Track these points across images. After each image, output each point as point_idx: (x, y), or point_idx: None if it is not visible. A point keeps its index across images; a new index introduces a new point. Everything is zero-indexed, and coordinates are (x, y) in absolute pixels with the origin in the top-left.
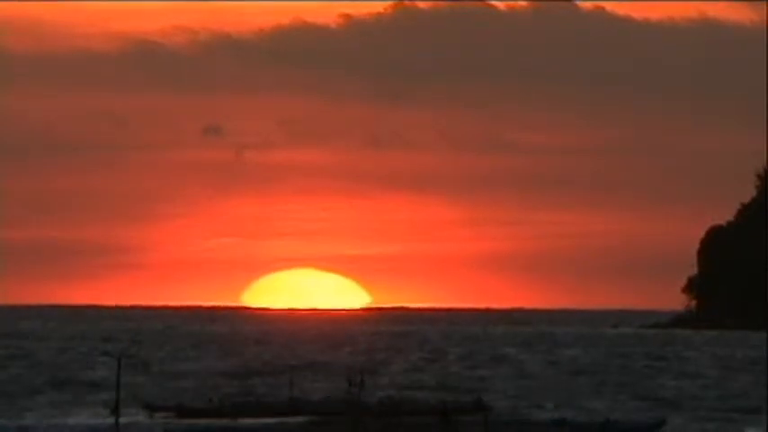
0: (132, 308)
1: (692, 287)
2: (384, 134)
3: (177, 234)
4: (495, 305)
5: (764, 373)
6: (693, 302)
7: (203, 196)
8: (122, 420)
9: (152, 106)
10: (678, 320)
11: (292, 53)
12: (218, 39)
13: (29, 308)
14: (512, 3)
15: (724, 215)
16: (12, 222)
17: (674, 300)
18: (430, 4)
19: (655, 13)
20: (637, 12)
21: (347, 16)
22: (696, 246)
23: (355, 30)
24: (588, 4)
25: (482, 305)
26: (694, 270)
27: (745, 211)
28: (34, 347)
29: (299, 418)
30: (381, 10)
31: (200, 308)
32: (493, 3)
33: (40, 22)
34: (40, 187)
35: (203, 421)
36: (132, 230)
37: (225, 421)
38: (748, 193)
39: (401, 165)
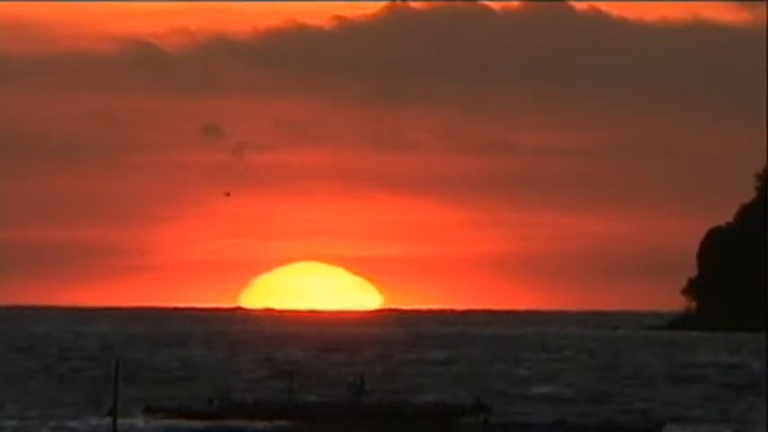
0: (130, 309)
1: (691, 289)
2: (383, 135)
3: (177, 235)
4: (498, 307)
5: (764, 375)
6: (693, 304)
7: (203, 197)
8: (121, 422)
9: (150, 107)
10: (678, 322)
11: (288, 54)
12: (215, 40)
13: (28, 309)
14: (506, 3)
15: (724, 216)
16: (9, 223)
17: (673, 301)
18: (423, 4)
19: (649, 13)
20: (632, 12)
21: (340, 17)
22: (696, 247)
23: (349, 31)
24: (583, 5)
25: (486, 307)
26: (694, 271)
27: (745, 212)
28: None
29: (299, 420)
30: (374, 11)
31: (200, 310)
32: (487, 3)
33: (37, 24)
34: (38, 188)
35: (203, 423)
36: (131, 232)
37: (225, 423)
38: (748, 194)
39: (401, 166)
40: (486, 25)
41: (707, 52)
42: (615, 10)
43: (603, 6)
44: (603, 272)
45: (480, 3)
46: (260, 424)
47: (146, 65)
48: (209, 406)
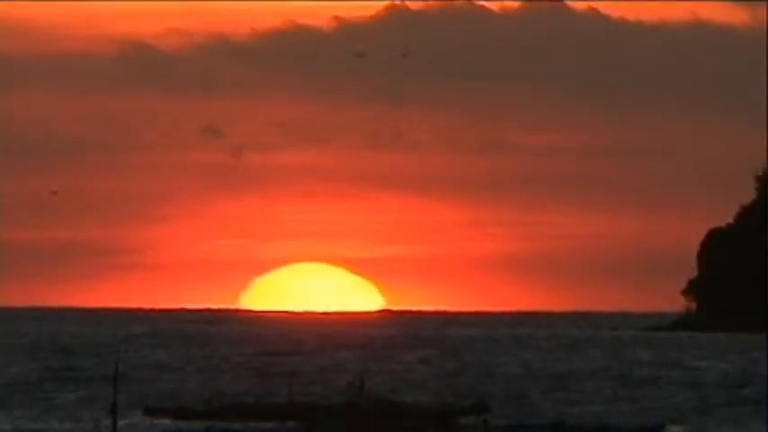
0: (130, 310)
1: (692, 289)
2: (383, 135)
3: (176, 236)
4: (498, 308)
5: (764, 376)
6: (693, 305)
7: (202, 198)
8: (121, 423)
9: (149, 107)
10: (678, 323)
11: (287, 55)
12: (214, 40)
13: (28, 309)
14: (504, 4)
15: (724, 217)
16: (9, 223)
17: (674, 302)
18: (422, 5)
19: (648, 14)
20: (630, 13)
21: (339, 18)
22: (696, 248)
23: (348, 32)
24: (582, 5)
25: (486, 308)
26: (694, 272)
27: (745, 213)
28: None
29: (298, 421)
30: (373, 12)
31: (200, 310)
32: (485, 4)
33: (36, 24)
34: (38, 188)
35: (202, 424)
36: (130, 232)
37: (224, 424)
38: (748, 195)
39: (401, 166)
40: (484, 26)
41: (706, 53)
42: (614, 11)
43: (602, 7)
44: (603, 272)
45: (479, 3)
46: (259, 425)
47: (144, 66)
48: (207, 406)
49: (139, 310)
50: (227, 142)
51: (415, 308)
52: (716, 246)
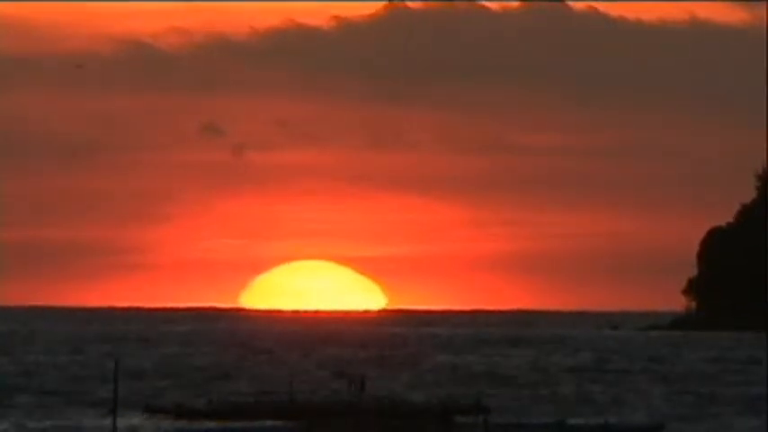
0: (130, 309)
1: (692, 288)
2: (383, 135)
3: (176, 235)
4: (499, 307)
5: (764, 375)
6: (693, 304)
7: (203, 197)
8: (121, 421)
9: (149, 107)
10: (678, 322)
11: (287, 54)
12: (214, 39)
13: (28, 309)
14: (504, 3)
15: (724, 216)
16: (9, 223)
17: (674, 301)
18: (421, 4)
19: (647, 13)
20: (630, 12)
21: (339, 17)
22: (696, 247)
23: (348, 31)
24: (581, 5)
25: (486, 307)
26: (694, 271)
27: (745, 212)
28: None
29: (298, 420)
30: (373, 11)
31: (199, 309)
32: (485, 3)
33: (36, 24)
34: (38, 188)
35: (203, 423)
36: (130, 232)
37: (224, 423)
38: (748, 194)
39: (401, 166)
40: (484, 25)
41: (705, 52)
42: (613, 10)
43: (601, 6)
44: (604, 272)
45: (478, 3)
46: (260, 424)
47: (143, 65)
48: (207, 405)
49: (140, 309)
50: (227, 141)
51: (416, 306)
52: (716, 245)
